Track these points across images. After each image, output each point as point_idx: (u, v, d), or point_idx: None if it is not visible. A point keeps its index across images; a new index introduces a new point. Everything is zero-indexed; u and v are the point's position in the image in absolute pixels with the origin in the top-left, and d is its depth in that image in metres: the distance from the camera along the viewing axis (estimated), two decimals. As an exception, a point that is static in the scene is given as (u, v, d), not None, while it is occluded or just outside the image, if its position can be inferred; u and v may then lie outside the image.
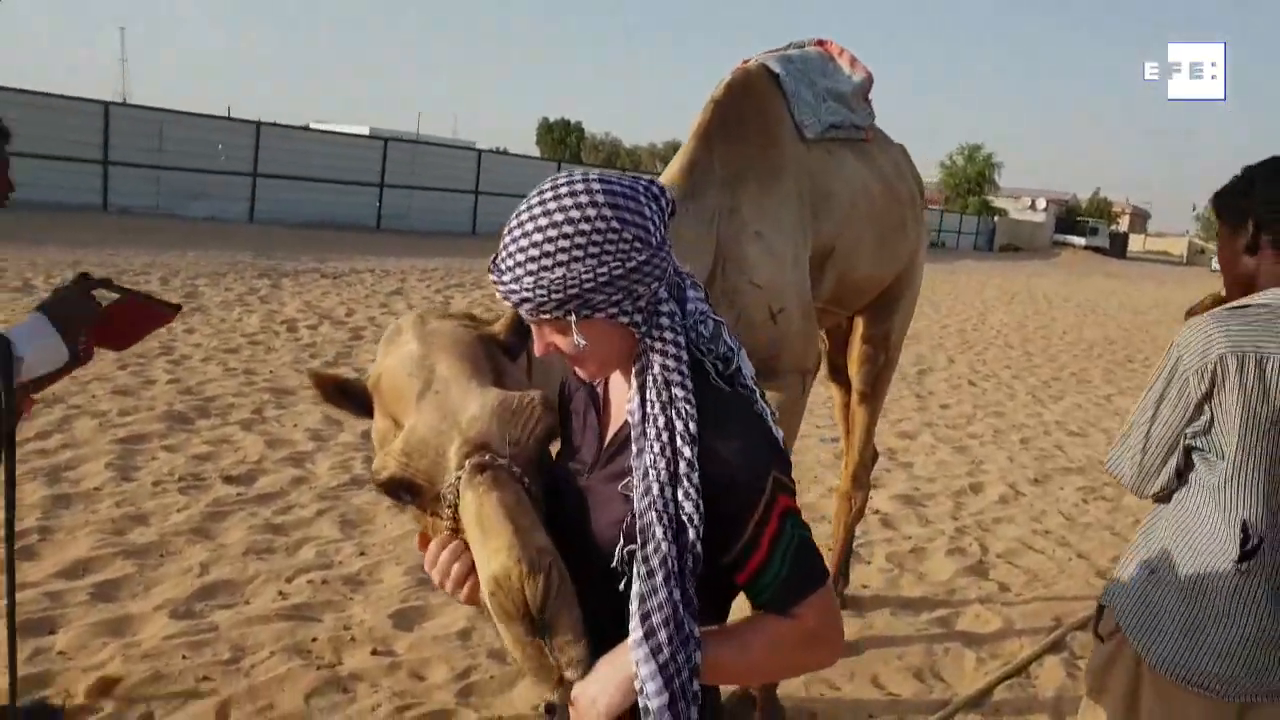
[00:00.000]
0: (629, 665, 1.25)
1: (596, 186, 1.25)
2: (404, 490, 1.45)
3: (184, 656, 3.42)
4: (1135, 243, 75.27)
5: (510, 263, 1.26)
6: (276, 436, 6.09)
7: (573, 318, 1.26)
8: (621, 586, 1.28)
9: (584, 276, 1.23)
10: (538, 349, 1.35)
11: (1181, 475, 1.95)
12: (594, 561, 1.33)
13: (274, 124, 23.64)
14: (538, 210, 1.25)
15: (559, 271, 1.22)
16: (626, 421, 1.34)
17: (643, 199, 1.29)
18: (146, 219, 18.12)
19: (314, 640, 3.64)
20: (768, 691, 3.40)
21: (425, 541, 1.43)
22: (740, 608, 1.40)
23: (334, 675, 3.43)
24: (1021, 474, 7.08)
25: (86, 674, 3.23)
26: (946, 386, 10.45)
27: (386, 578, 4.23)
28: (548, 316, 1.27)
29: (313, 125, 31.75)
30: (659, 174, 2.93)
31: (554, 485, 1.44)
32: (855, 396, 4.17)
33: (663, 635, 1.22)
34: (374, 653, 3.60)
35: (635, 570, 1.25)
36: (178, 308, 2.53)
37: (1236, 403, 1.82)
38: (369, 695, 3.33)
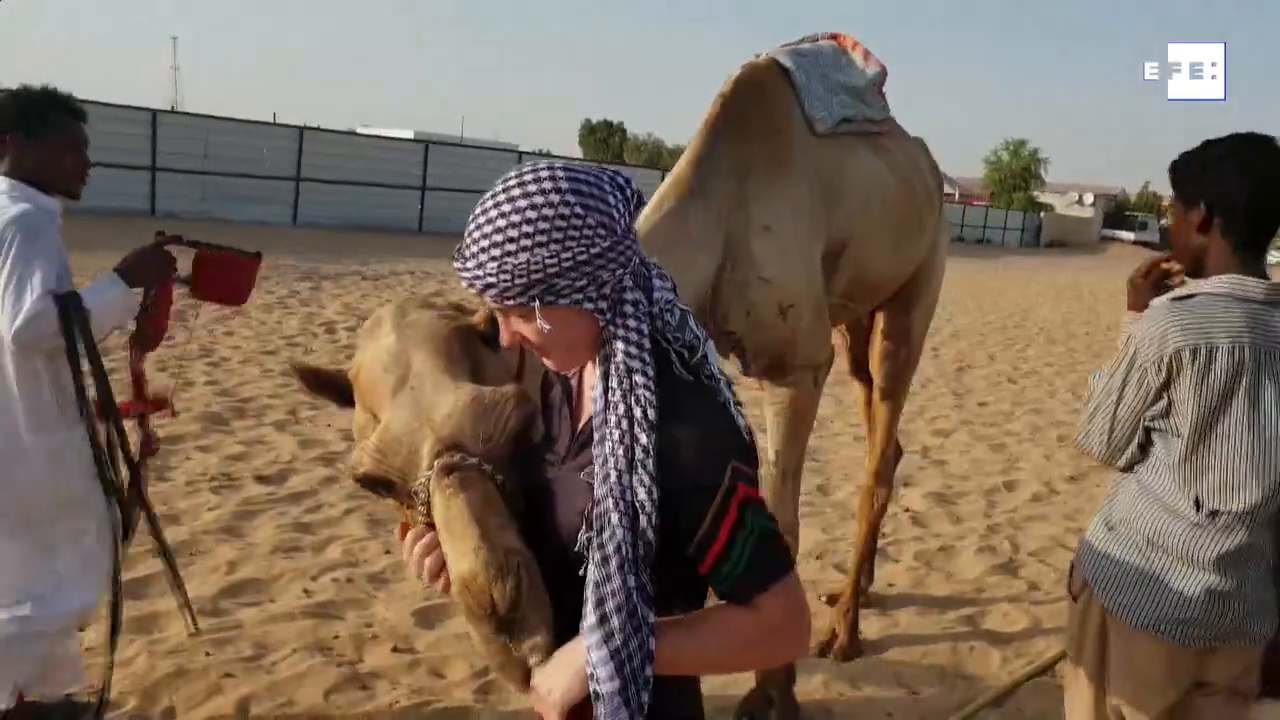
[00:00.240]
0: (580, 659, 1.26)
1: (560, 174, 1.27)
2: (379, 486, 1.46)
3: (207, 654, 3.47)
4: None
5: (474, 249, 1.26)
6: (309, 437, 6.17)
7: (536, 303, 1.26)
8: (583, 573, 1.28)
9: (548, 261, 1.23)
10: (503, 339, 1.35)
11: (1143, 449, 2.10)
12: (564, 552, 1.33)
13: (317, 128, 24.01)
14: (502, 198, 1.26)
15: (523, 257, 1.23)
16: (591, 422, 1.33)
17: (607, 188, 1.29)
18: (193, 223, 18.48)
19: (335, 638, 3.69)
20: (785, 690, 3.38)
21: (405, 531, 1.44)
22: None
23: (354, 672, 3.47)
24: (1057, 471, 6.96)
25: (116, 670, 3.29)
26: (986, 384, 10.31)
27: (410, 576, 4.26)
28: (512, 302, 1.27)
29: (359, 129, 32.21)
30: None
31: (532, 478, 1.44)
32: (877, 393, 4.13)
33: (615, 621, 1.23)
34: (395, 650, 3.64)
35: (590, 557, 1.25)
36: (257, 255, 2.70)
37: (1191, 390, 1.95)
38: (388, 692, 3.36)
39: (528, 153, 29.14)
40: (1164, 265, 2.25)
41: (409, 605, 3.97)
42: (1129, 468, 2.14)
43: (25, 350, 2.52)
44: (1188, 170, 2.06)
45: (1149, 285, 2.24)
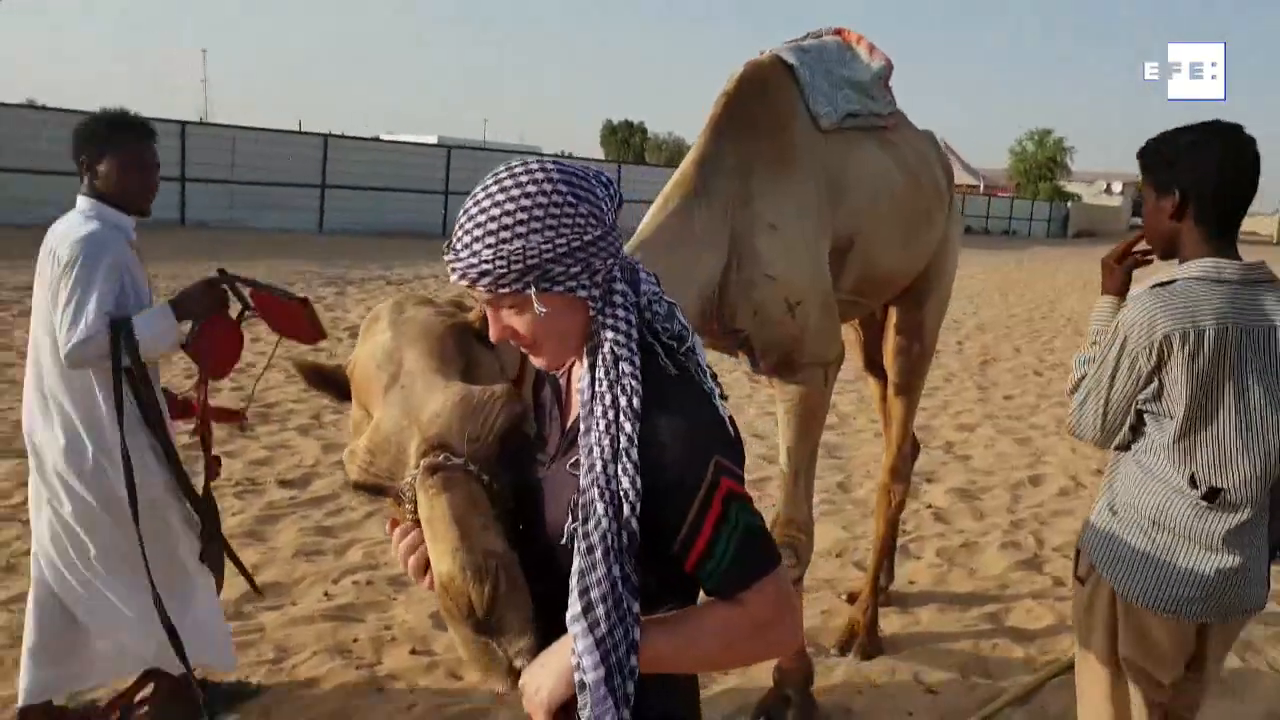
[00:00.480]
0: (566, 658, 1.26)
1: (550, 166, 1.29)
2: (370, 491, 1.47)
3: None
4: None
5: (467, 239, 1.27)
6: (333, 441, 6.23)
7: (532, 290, 1.26)
8: (568, 556, 1.28)
9: (543, 247, 1.24)
10: (494, 334, 1.35)
11: (1135, 430, 2.19)
12: (554, 551, 1.34)
13: (341, 135, 24.20)
14: (494, 188, 1.27)
15: (517, 243, 1.24)
16: (578, 418, 1.34)
17: (593, 181, 1.31)
18: (221, 231, 18.72)
19: (355, 640, 3.72)
20: (803, 688, 3.36)
21: (395, 524, 1.45)
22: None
23: (372, 675, 3.50)
24: (1084, 465, 6.87)
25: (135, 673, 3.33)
26: (1011, 377, 10.21)
27: (429, 579, 4.29)
28: (506, 290, 1.27)
29: (383, 136, 32.43)
30: None
31: (522, 479, 1.44)
32: (891, 389, 4.10)
33: (600, 610, 1.23)
34: (413, 652, 3.66)
35: (576, 547, 1.25)
36: (304, 300, 2.86)
37: (1181, 372, 2.04)
38: (405, 695, 3.38)
39: (549, 155, 29.18)
40: (1136, 249, 2.36)
41: (428, 607, 3.99)
42: (1124, 446, 2.23)
43: (75, 368, 2.74)
44: (1159, 158, 2.13)
45: (1123, 269, 2.36)
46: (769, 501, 5.42)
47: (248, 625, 3.78)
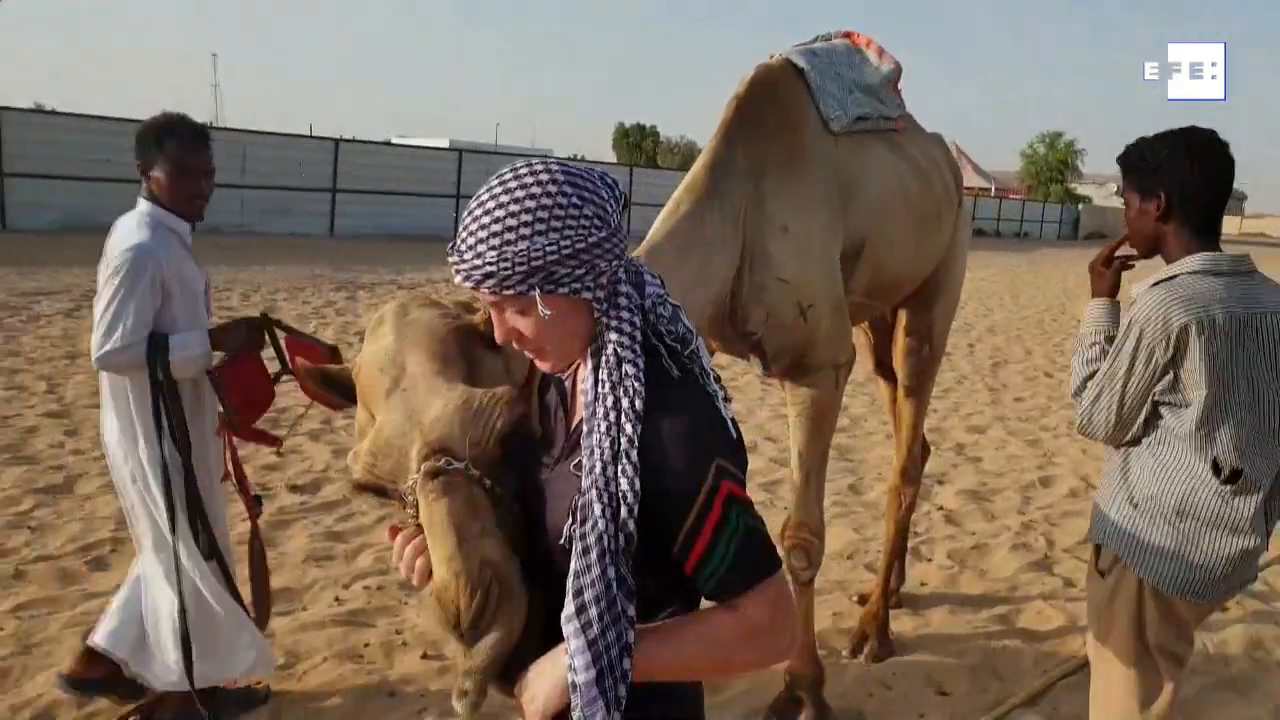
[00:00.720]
0: (563, 668, 1.26)
1: (555, 168, 1.29)
2: (371, 493, 1.47)
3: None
4: (1230, 225, 72.15)
5: (471, 240, 1.26)
6: (343, 446, 6.24)
7: (536, 292, 1.26)
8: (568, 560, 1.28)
9: (548, 249, 1.24)
10: (498, 335, 1.34)
11: (1147, 424, 2.27)
12: (554, 554, 1.34)
13: (352, 140, 24.26)
14: (498, 189, 1.27)
15: (522, 245, 1.24)
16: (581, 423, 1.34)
17: (598, 184, 1.31)
18: (233, 237, 18.77)
19: (366, 645, 3.73)
20: (814, 691, 3.36)
21: (395, 533, 1.45)
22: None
23: (383, 680, 3.50)
24: (1094, 466, 6.83)
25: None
26: (1022, 379, 10.17)
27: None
28: (511, 292, 1.27)
29: (394, 140, 32.48)
30: None
31: (527, 482, 1.44)
32: (901, 391, 4.09)
33: (593, 612, 1.23)
34: (424, 657, 3.66)
35: (573, 548, 1.25)
36: (334, 348, 2.92)
37: (1201, 361, 2.14)
38: (416, 699, 3.39)
39: (563, 158, 29.13)
40: (1119, 252, 2.48)
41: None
42: (1134, 442, 2.32)
43: (103, 370, 2.88)
44: (1144, 165, 2.27)
45: (1112, 271, 2.48)
46: (781, 504, 5.42)
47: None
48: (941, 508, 5.81)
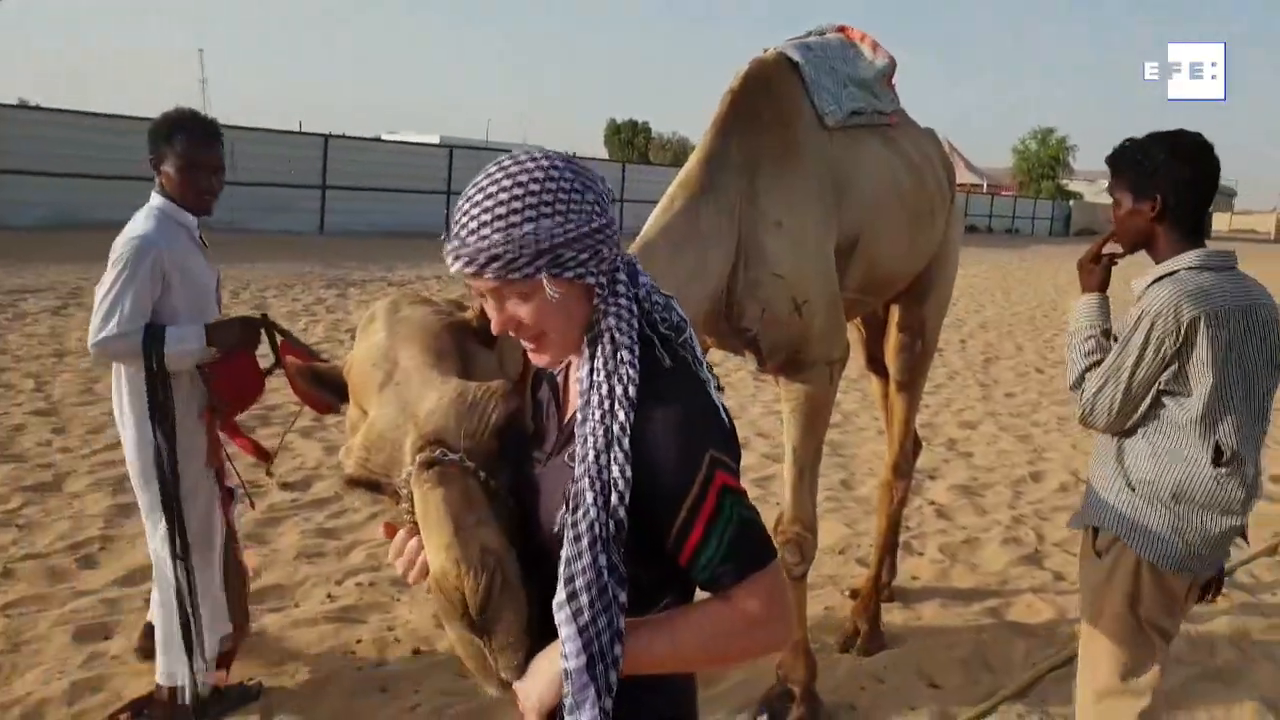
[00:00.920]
0: (559, 663, 1.26)
1: (554, 155, 1.29)
2: (364, 487, 1.46)
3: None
4: (1220, 222, 72.42)
5: (474, 224, 1.24)
6: (335, 443, 6.22)
7: (544, 275, 1.25)
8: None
9: (554, 231, 1.24)
10: (496, 324, 1.33)
11: (1145, 414, 2.40)
12: (549, 548, 1.33)
13: (342, 136, 24.18)
14: (499, 175, 1.26)
15: (528, 227, 1.23)
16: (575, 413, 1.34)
17: (593, 174, 1.31)
18: (222, 234, 18.59)
19: (359, 642, 3.72)
20: (807, 684, 3.36)
21: (391, 531, 1.44)
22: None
23: (376, 676, 3.49)
24: (1084, 461, 6.84)
25: (141, 679, 3.33)
26: (1013, 375, 10.21)
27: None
28: (516, 275, 1.25)
29: (384, 136, 32.36)
30: None
31: (520, 477, 1.44)
32: (893, 386, 4.10)
33: (584, 599, 1.22)
34: (416, 653, 3.66)
35: (565, 535, 1.25)
36: (317, 356, 2.93)
37: (1207, 352, 2.27)
38: (410, 695, 3.38)
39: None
40: (1107, 250, 2.58)
41: (431, 608, 3.99)
42: (1130, 431, 2.44)
43: (98, 356, 2.91)
44: (1140, 168, 2.38)
45: (1101, 267, 2.58)
46: (774, 500, 5.43)
47: (249, 628, 3.78)
48: (933, 502, 5.82)
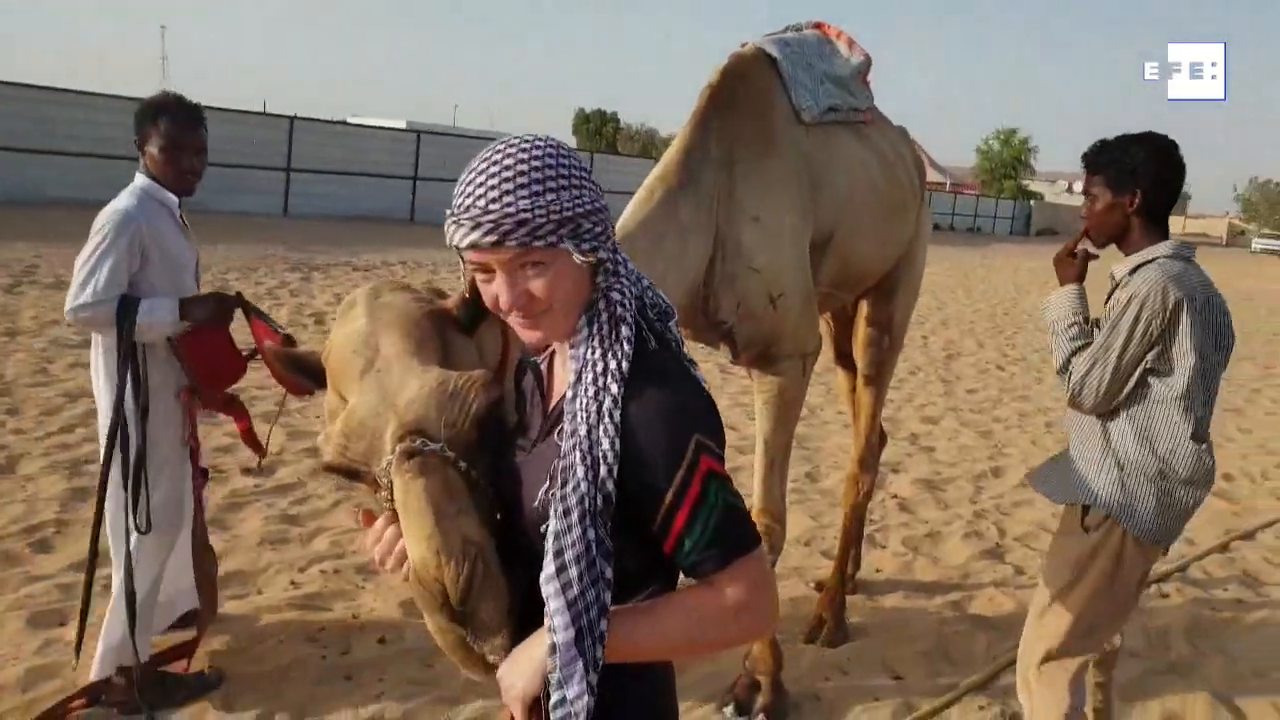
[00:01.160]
0: (543, 652, 1.26)
1: (555, 140, 1.30)
2: (343, 474, 1.45)
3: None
4: (1175, 225, 73.30)
5: (495, 193, 1.23)
6: (298, 428, 6.16)
7: (568, 244, 1.25)
8: (542, 529, 1.27)
9: (576, 202, 1.26)
10: (506, 300, 1.29)
11: (1129, 394, 2.56)
12: (529, 537, 1.33)
13: (308, 118, 23.84)
14: (513, 150, 1.26)
15: (551, 196, 1.24)
16: (565, 394, 1.33)
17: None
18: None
19: (322, 629, 3.69)
20: (772, 675, 3.39)
21: (369, 519, 1.43)
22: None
23: (341, 664, 3.47)
24: (1043, 457, 6.91)
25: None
26: (974, 371, 10.34)
27: (398, 566, 4.25)
28: (540, 243, 1.24)
29: (350, 120, 31.97)
30: None
31: (501, 466, 1.44)
32: (860, 380, 4.14)
33: (573, 572, 1.23)
34: (381, 641, 3.64)
35: (552, 510, 1.25)
36: (288, 337, 2.92)
37: (1189, 332, 2.45)
38: (375, 684, 3.36)
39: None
40: (1080, 244, 2.75)
41: (397, 596, 3.97)
42: (1113, 412, 2.60)
43: (73, 324, 2.98)
44: (1121, 165, 2.55)
45: (1079, 261, 2.74)
46: (744, 491, 5.43)
47: (213, 612, 3.74)
48: (895, 496, 5.89)
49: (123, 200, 3.00)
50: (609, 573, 1.25)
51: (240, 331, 3.05)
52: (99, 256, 2.89)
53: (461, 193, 1.27)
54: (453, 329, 1.59)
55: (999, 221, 50.15)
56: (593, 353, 1.29)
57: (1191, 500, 2.59)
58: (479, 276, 1.32)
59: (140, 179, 3.07)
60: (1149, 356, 2.50)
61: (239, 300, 3.12)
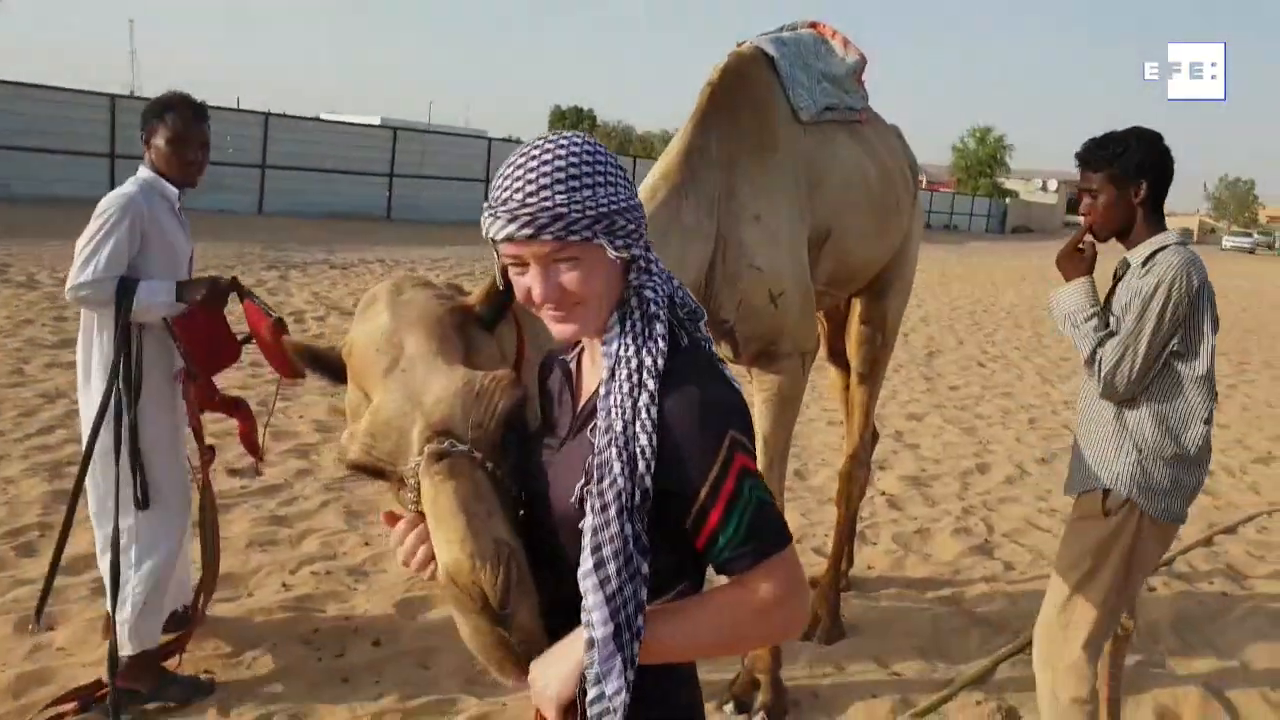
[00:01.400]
0: (578, 653, 1.25)
1: (593, 139, 1.31)
2: (369, 473, 1.43)
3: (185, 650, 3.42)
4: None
5: (532, 187, 1.23)
6: (282, 429, 6.10)
7: (602, 240, 1.26)
8: (580, 526, 1.26)
9: (613, 198, 1.26)
10: (539, 292, 1.29)
11: (1154, 376, 2.62)
12: (556, 538, 1.33)
13: (282, 115, 23.62)
14: (549, 146, 1.27)
15: (588, 191, 1.24)
16: (596, 391, 1.32)
17: None
18: (155, 214, 18.15)
19: (316, 632, 3.66)
20: (773, 673, 3.39)
21: (392, 519, 1.41)
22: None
23: (337, 666, 3.43)
24: (1028, 453, 7.05)
25: (86, 670, 3.24)
26: (956, 368, 10.41)
27: (390, 568, 4.23)
28: (576, 238, 1.24)
29: (324, 116, 31.71)
30: None
31: (528, 465, 1.42)
32: (854, 378, 4.15)
33: (612, 567, 1.22)
34: (375, 644, 3.61)
35: (589, 505, 1.24)
36: (279, 320, 2.99)
37: (1206, 315, 2.56)
38: (371, 686, 3.33)
39: (497, 139, 28.75)
40: (1083, 240, 2.80)
41: (390, 597, 3.94)
42: (1132, 399, 2.66)
43: (73, 303, 3.08)
44: (1124, 160, 2.61)
45: (1087, 256, 2.79)
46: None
47: (203, 616, 3.69)
48: (884, 493, 5.92)
49: (127, 187, 3.11)
50: (645, 569, 1.24)
51: (235, 320, 3.08)
52: (101, 237, 2.96)
53: (500, 186, 1.27)
54: (475, 326, 1.58)
55: (975, 219, 50.56)
56: (626, 349, 1.28)
57: (1195, 479, 2.68)
58: (513, 270, 1.31)
59: (143, 171, 3.18)
60: (1174, 340, 2.57)
61: (234, 284, 3.19)
